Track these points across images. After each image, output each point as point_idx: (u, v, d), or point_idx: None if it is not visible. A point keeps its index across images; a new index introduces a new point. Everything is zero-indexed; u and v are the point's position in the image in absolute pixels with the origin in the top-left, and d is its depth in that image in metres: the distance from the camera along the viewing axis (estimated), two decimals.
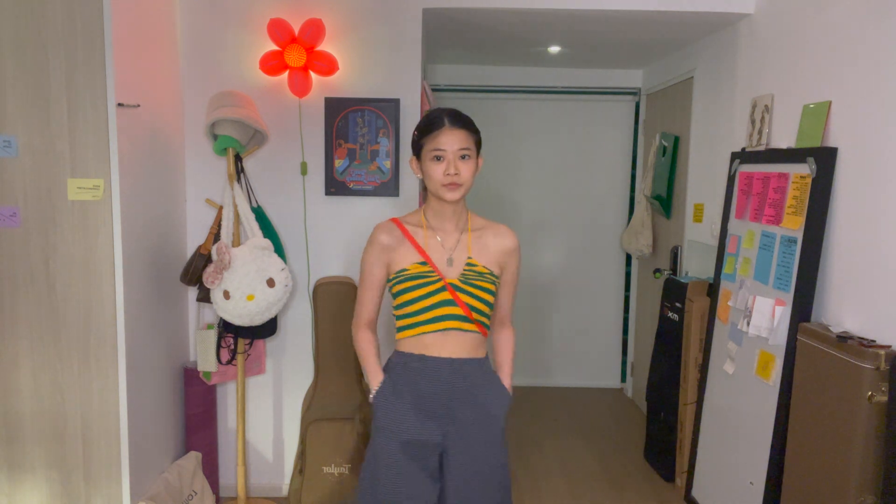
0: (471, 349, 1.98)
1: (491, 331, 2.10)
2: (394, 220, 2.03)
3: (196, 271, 2.87)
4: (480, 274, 1.97)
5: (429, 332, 1.95)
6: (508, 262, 2.05)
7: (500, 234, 2.04)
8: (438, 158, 1.91)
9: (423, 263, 1.95)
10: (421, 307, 1.95)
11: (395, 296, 2.00)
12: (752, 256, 2.91)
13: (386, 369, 2.05)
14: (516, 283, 2.10)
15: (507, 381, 2.08)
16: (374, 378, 2.02)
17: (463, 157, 1.92)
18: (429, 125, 1.94)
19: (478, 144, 1.98)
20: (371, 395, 2.02)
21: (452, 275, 1.96)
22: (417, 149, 1.97)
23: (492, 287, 1.98)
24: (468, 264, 1.97)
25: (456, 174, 1.90)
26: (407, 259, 1.97)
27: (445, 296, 1.93)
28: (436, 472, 1.99)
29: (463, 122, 1.94)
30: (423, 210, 2.05)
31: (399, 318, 2.01)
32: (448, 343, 1.95)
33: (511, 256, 2.05)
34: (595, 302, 5.18)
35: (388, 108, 3.22)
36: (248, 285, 2.77)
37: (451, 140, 1.90)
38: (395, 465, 1.95)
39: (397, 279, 1.97)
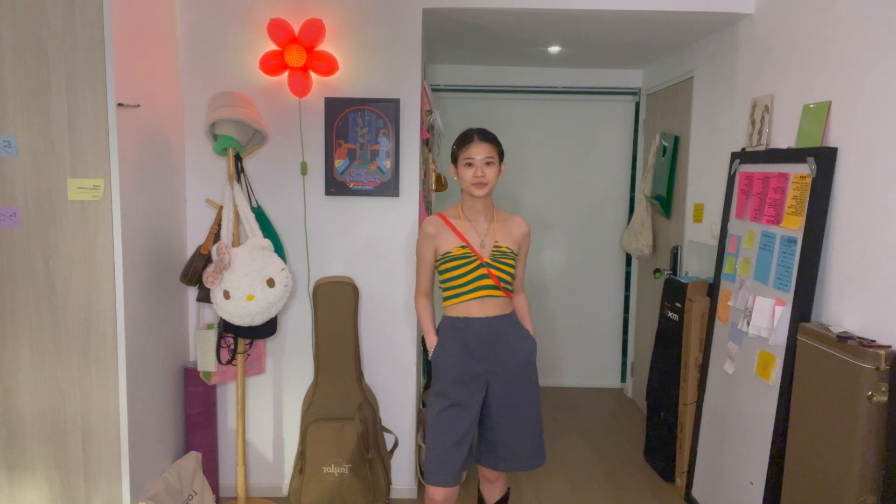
0: (501, 308, 2.53)
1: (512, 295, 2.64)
2: (438, 215, 2.56)
3: (196, 271, 2.87)
4: (504, 253, 2.52)
5: (471, 300, 2.50)
6: (523, 243, 2.60)
7: (518, 223, 2.60)
8: (469, 164, 2.46)
9: (464, 247, 2.49)
10: (465, 280, 2.49)
11: (441, 273, 2.54)
12: (752, 256, 2.91)
13: (439, 331, 2.59)
14: (526, 259, 2.65)
15: (530, 329, 2.63)
16: (430, 335, 2.58)
17: (487, 163, 2.46)
18: (463, 140, 2.51)
19: (500, 154, 2.53)
20: (430, 353, 2.57)
21: (485, 255, 2.50)
22: (454, 158, 2.53)
23: (513, 262, 2.53)
24: (495, 246, 2.52)
25: (482, 176, 2.45)
26: (449, 243, 2.50)
27: (482, 271, 2.48)
28: (478, 406, 2.52)
29: (488, 137, 2.50)
30: (459, 205, 2.58)
31: (445, 290, 2.54)
32: (485, 306, 2.50)
33: (525, 239, 2.60)
34: (595, 302, 5.19)
35: (388, 108, 3.22)
36: (248, 285, 2.77)
37: (478, 151, 2.46)
38: (448, 398, 2.50)
39: (443, 259, 2.51)
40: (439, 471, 2.48)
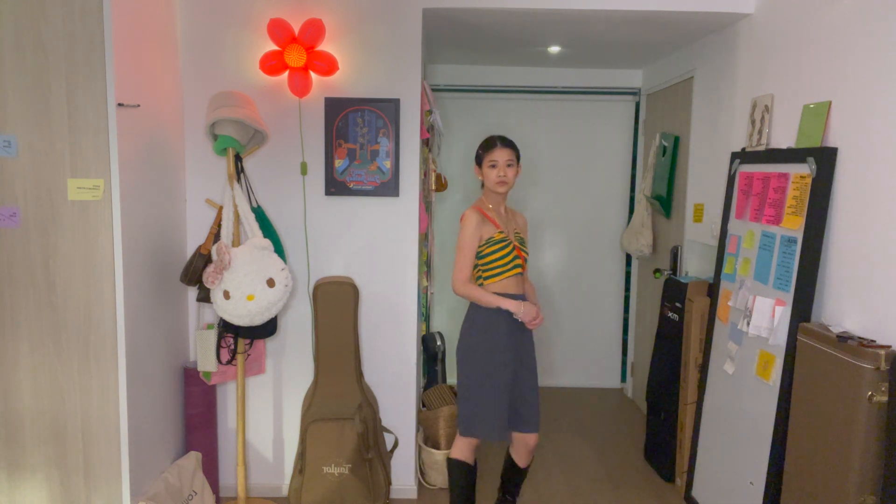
0: (524, 287, 2.93)
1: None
2: (475, 208, 2.86)
3: (196, 271, 2.87)
4: (521, 239, 2.93)
5: (511, 277, 2.84)
6: (525, 232, 3.02)
7: (520, 215, 3.05)
8: (493, 166, 2.82)
9: (501, 232, 2.83)
10: (506, 261, 2.82)
11: (485, 256, 2.82)
12: (752, 256, 2.91)
13: (480, 309, 2.84)
14: None
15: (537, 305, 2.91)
16: (505, 302, 2.79)
17: (508, 165, 2.82)
18: (487, 145, 2.85)
19: (518, 157, 2.86)
20: (520, 313, 2.78)
21: (512, 239, 2.87)
22: (479, 160, 2.87)
23: (526, 247, 2.95)
24: (515, 233, 2.91)
25: (504, 176, 2.81)
26: (489, 231, 2.82)
27: (516, 252, 2.86)
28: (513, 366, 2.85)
29: (508, 143, 2.85)
30: (483, 201, 2.90)
31: (487, 270, 2.83)
32: (519, 283, 2.87)
33: (526, 227, 3.06)
34: (595, 302, 5.19)
35: (388, 108, 3.22)
36: (248, 285, 2.77)
37: (501, 154, 2.81)
38: (501, 364, 2.81)
39: (487, 244, 2.81)
40: (484, 423, 2.81)
